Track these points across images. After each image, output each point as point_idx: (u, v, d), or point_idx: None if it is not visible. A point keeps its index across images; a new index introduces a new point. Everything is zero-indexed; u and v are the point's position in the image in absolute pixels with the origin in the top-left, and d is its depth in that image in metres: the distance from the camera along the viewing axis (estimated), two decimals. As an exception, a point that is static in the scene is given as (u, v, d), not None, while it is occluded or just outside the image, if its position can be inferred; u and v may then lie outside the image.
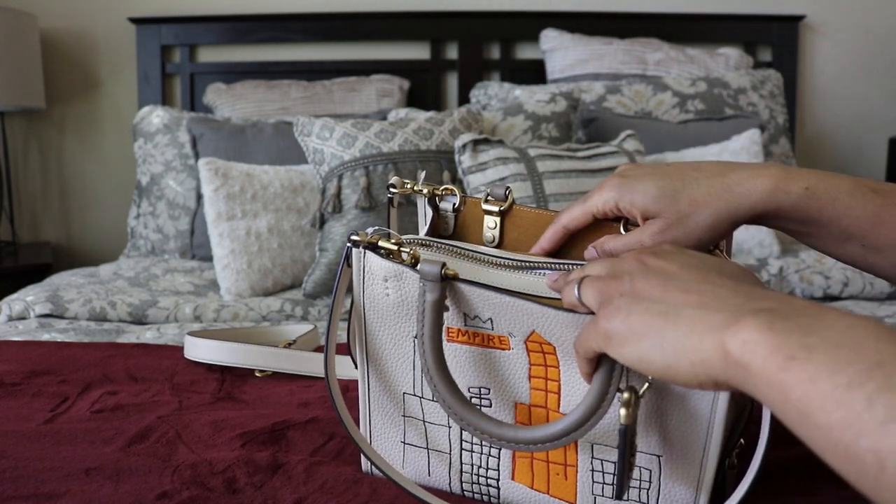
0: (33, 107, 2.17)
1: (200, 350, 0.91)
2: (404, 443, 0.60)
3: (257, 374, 0.91)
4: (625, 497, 0.53)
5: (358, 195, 1.52)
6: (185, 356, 0.94)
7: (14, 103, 2.09)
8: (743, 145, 1.70)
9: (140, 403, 0.80)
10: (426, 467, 0.60)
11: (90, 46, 2.37)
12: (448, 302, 0.53)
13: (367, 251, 0.55)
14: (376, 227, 0.57)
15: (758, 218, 0.54)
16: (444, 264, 0.51)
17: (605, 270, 0.46)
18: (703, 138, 1.81)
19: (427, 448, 0.59)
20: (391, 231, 0.57)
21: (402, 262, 0.54)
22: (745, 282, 0.42)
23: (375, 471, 0.63)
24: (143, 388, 0.86)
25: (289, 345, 0.98)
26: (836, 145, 2.45)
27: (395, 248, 0.54)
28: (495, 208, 0.60)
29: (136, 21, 2.27)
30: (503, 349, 0.53)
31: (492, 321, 0.52)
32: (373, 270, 0.55)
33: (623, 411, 0.43)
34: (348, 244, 0.56)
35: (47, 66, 2.29)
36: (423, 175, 0.63)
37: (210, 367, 0.94)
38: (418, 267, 0.52)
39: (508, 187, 0.60)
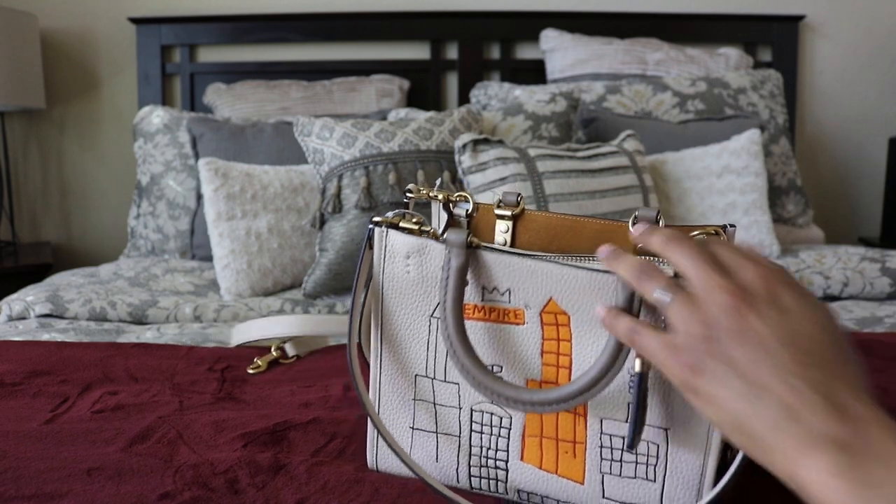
0: (33, 107, 2.17)
1: (259, 329, 0.92)
2: (413, 428, 0.62)
3: (250, 371, 0.91)
4: (634, 455, 0.54)
5: (358, 195, 1.52)
6: (233, 345, 0.94)
7: (14, 103, 2.09)
8: (743, 145, 1.70)
9: (140, 403, 0.80)
10: (434, 452, 0.61)
11: (90, 46, 2.37)
12: (468, 276, 0.57)
13: (389, 230, 0.59)
14: (397, 210, 0.61)
15: None
16: (469, 232, 0.56)
17: (700, 311, 0.42)
18: (703, 138, 1.81)
19: (436, 432, 0.61)
20: (411, 212, 0.61)
21: (428, 234, 0.58)
22: (838, 368, 0.40)
23: (380, 465, 0.64)
24: (143, 388, 0.86)
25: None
26: (836, 145, 2.45)
27: (417, 227, 0.59)
28: (507, 213, 0.61)
29: (136, 21, 2.27)
30: (517, 324, 0.56)
31: (510, 292, 0.56)
32: (395, 248, 0.59)
33: (638, 360, 0.48)
34: (370, 226, 0.60)
35: (47, 66, 2.29)
36: (439, 182, 0.66)
37: (210, 367, 0.94)
38: (445, 236, 0.56)
39: (520, 194, 0.61)
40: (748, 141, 1.71)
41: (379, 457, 0.64)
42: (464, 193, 0.61)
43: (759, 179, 1.67)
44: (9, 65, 2.04)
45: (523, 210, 0.61)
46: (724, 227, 0.53)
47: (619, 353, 0.49)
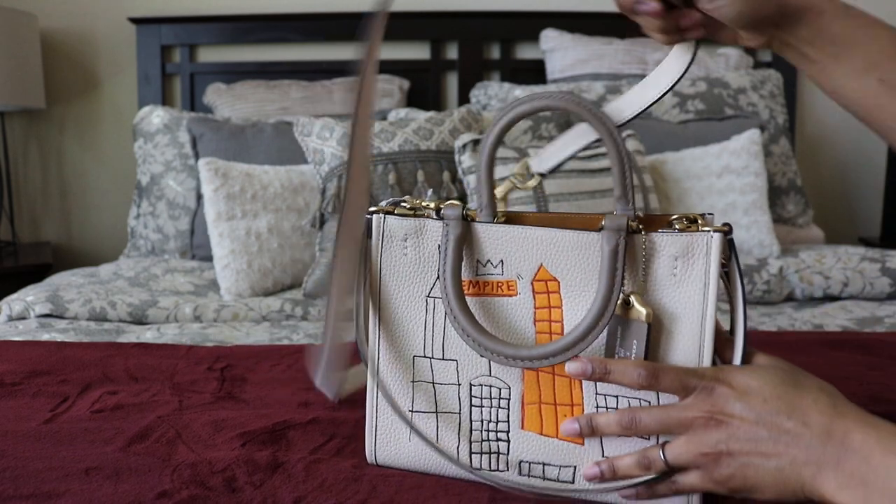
0: (33, 107, 2.17)
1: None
2: (412, 411, 0.63)
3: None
4: None
5: (358, 195, 1.52)
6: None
7: (14, 103, 2.09)
8: (743, 145, 1.70)
9: (140, 403, 0.81)
10: (435, 433, 0.62)
11: (90, 46, 2.37)
12: (463, 251, 0.60)
13: (386, 216, 0.62)
14: (389, 200, 0.64)
15: (799, 12, 0.57)
16: (465, 206, 0.60)
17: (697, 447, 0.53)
18: (703, 138, 1.81)
19: (436, 412, 0.62)
20: (404, 199, 0.64)
21: (424, 215, 0.62)
22: (807, 402, 0.52)
23: (380, 457, 0.64)
24: (143, 388, 0.86)
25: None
26: (836, 145, 2.45)
27: (412, 211, 0.62)
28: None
29: (136, 21, 2.27)
30: (510, 295, 0.59)
31: (503, 264, 0.59)
32: (392, 232, 0.63)
33: (644, 311, 0.54)
34: (367, 216, 0.63)
35: (47, 66, 2.29)
36: (430, 192, 0.68)
37: (210, 367, 0.94)
38: (442, 212, 0.60)
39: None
40: (748, 141, 1.71)
41: (378, 448, 0.64)
42: (454, 202, 0.62)
43: (759, 179, 1.67)
44: (9, 65, 2.04)
45: (509, 212, 0.62)
46: (702, 215, 0.57)
47: (606, 305, 0.54)
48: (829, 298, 1.45)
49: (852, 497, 0.47)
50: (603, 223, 0.56)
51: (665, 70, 0.64)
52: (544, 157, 0.68)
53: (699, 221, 0.56)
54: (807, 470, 0.49)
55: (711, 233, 0.54)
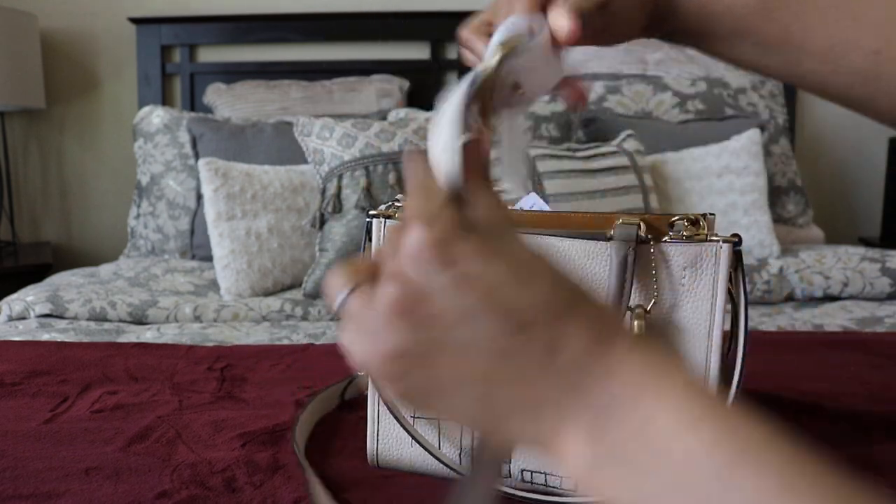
0: (33, 107, 2.17)
1: None
2: (414, 417, 0.62)
3: None
4: None
5: (358, 195, 1.52)
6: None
7: (14, 103, 2.09)
8: (743, 145, 1.70)
9: (140, 403, 0.80)
10: (437, 441, 0.62)
11: (90, 46, 2.37)
12: None
13: (387, 220, 0.62)
14: (388, 203, 0.63)
15: (659, 9, 0.51)
16: None
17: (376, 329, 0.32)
18: (703, 138, 1.81)
19: (438, 419, 0.61)
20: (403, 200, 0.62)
21: None
22: (560, 303, 0.31)
23: (381, 460, 0.64)
24: (142, 388, 0.86)
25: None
26: (836, 145, 2.45)
27: None
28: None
29: (136, 21, 2.27)
30: None
31: None
32: None
33: (637, 322, 0.54)
34: (367, 220, 0.62)
35: (47, 66, 2.29)
36: None
37: (210, 367, 0.94)
38: None
39: None
40: (748, 141, 1.71)
41: (379, 451, 0.64)
42: None
43: (759, 179, 1.67)
44: (9, 65, 2.04)
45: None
46: (703, 215, 0.56)
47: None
48: (829, 298, 1.45)
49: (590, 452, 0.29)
50: (612, 233, 0.55)
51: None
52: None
53: (701, 222, 0.55)
54: (538, 413, 0.30)
55: (721, 243, 0.54)
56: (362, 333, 0.32)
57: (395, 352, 0.31)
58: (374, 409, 0.64)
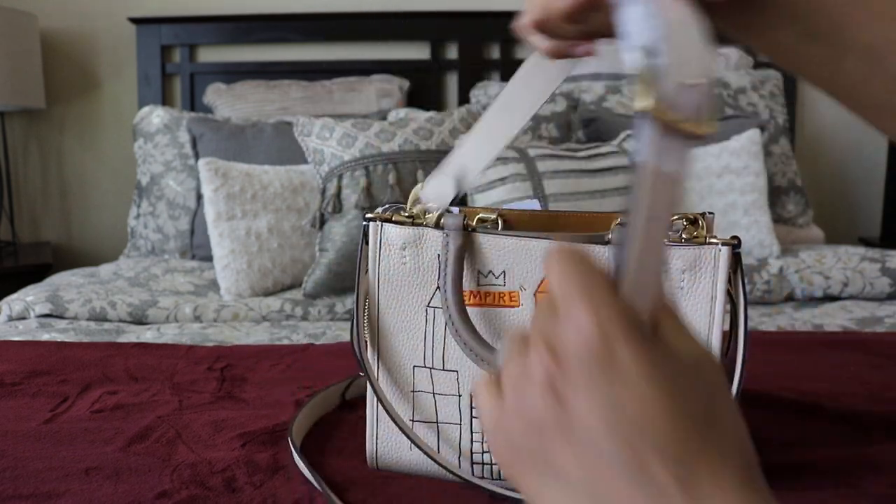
0: (33, 107, 2.17)
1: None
2: (413, 420, 0.62)
3: None
4: None
5: (358, 195, 1.52)
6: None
7: (14, 103, 2.09)
8: (743, 145, 1.70)
9: (140, 403, 0.80)
10: (436, 444, 0.62)
11: (90, 46, 2.37)
12: (464, 261, 0.58)
13: (384, 224, 0.61)
14: (387, 206, 0.62)
15: None
16: (465, 215, 0.57)
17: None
18: (703, 138, 1.80)
19: (437, 422, 0.61)
20: (402, 205, 0.62)
21: (423, 225, 0.60)
22: (695, 444, 0.28)
23: (380, 461, 0.64)
24: (142, 388, 0.86)
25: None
26: (836, 145, 2.45)
27: (410, 219, 0.60)
28: (492, 216, 0.62)
29: (136, 21, 2.27)
30: (513, 306, 0.58)
31: (504, 275, 0.58)
32: (390, 241, 0.61)
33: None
34: (364, 223, 0.62)
35: (47, 66, 2.29)
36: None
37: (210, 367, 0.94)
38: (442, 221, 0.59)
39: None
40: (748, 141, 1.71)
41: (379, 453, 0.64)
42: (454, 209, 0.62)
43: (759, 179, 1.67)
44: (9, 65, 2.04)
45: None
46: (702, 214, 0.55)
47: None
48: (829, 298, 1.45)
49: None
50: (610, 236, 0.55)
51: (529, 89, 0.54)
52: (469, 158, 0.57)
53: (700, 222, 0.55)
54: None
55: (720, 246, 0.54)
56: (509, 388, 0.31)
57: (534, 418, 0.30)
58: (374, 412, 0.63)
